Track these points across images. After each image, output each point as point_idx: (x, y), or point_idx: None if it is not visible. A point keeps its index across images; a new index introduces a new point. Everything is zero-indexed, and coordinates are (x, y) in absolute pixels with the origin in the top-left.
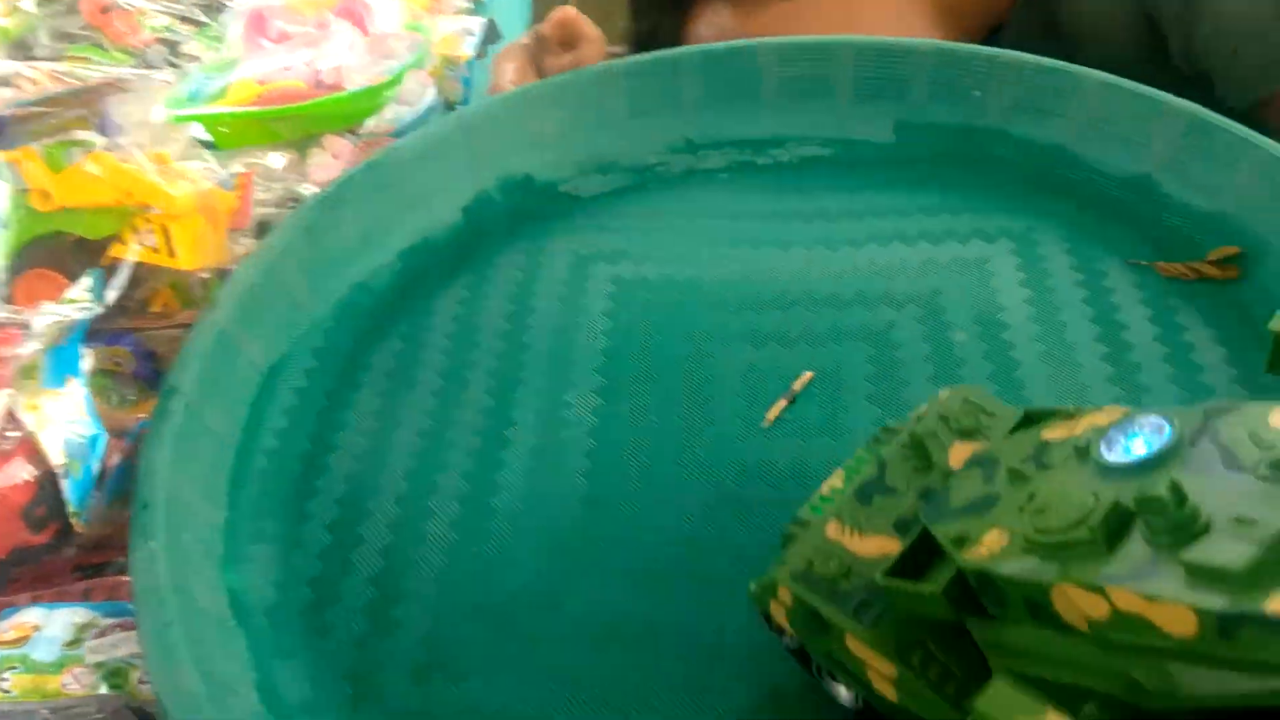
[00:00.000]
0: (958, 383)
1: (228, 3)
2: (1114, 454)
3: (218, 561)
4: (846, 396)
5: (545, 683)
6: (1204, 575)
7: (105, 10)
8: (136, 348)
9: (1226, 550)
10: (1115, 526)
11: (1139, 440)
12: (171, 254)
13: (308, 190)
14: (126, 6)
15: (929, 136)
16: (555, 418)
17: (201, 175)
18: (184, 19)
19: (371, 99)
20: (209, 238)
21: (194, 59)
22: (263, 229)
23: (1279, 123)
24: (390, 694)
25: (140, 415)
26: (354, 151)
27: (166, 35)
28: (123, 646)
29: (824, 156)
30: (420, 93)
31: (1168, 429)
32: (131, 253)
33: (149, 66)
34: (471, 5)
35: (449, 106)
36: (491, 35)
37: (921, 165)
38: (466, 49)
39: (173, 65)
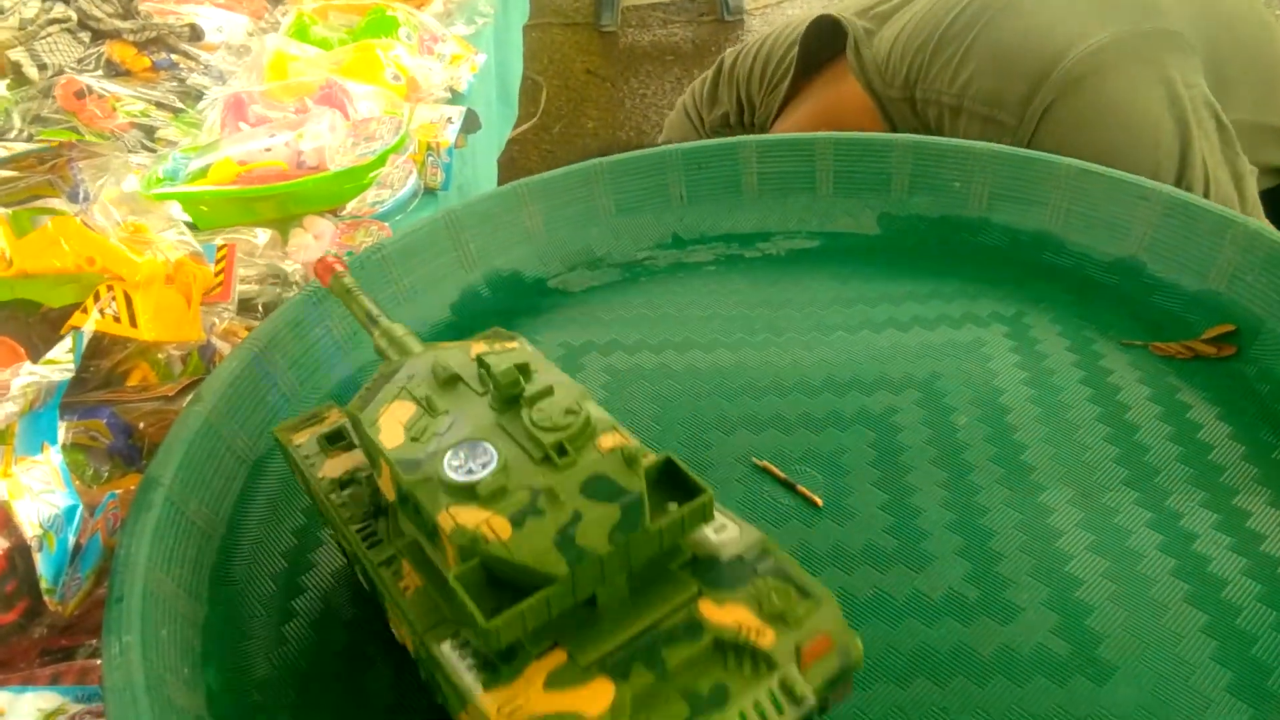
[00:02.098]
0: (964, 467)
1: (205, 90)
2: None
3: (197, 659)
4: (850, 481)
5: None
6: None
7: (80, 95)
8: (113, 421)
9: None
10: None
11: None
12: (133, 323)
13: (291, 268)
14: (102, 92)
15: (913, 227)
16: None
17: (173, 246)
18: (160, 105)
19: (354, 180)
20: (176, 309)
21: (170, 144)
22: (244, 305)
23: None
24: None
25: (114, 489)
26: (336, 232)
27: (142, 120)
28: None
29: (811, 248)
30: (402, 177)
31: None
32: (91, 321)
33: (125, 150)
34: (450, 95)
35: (430, 192)
36: (471, 124)
37: (909, 254)
38: (447, 136)
39: (148, 149)
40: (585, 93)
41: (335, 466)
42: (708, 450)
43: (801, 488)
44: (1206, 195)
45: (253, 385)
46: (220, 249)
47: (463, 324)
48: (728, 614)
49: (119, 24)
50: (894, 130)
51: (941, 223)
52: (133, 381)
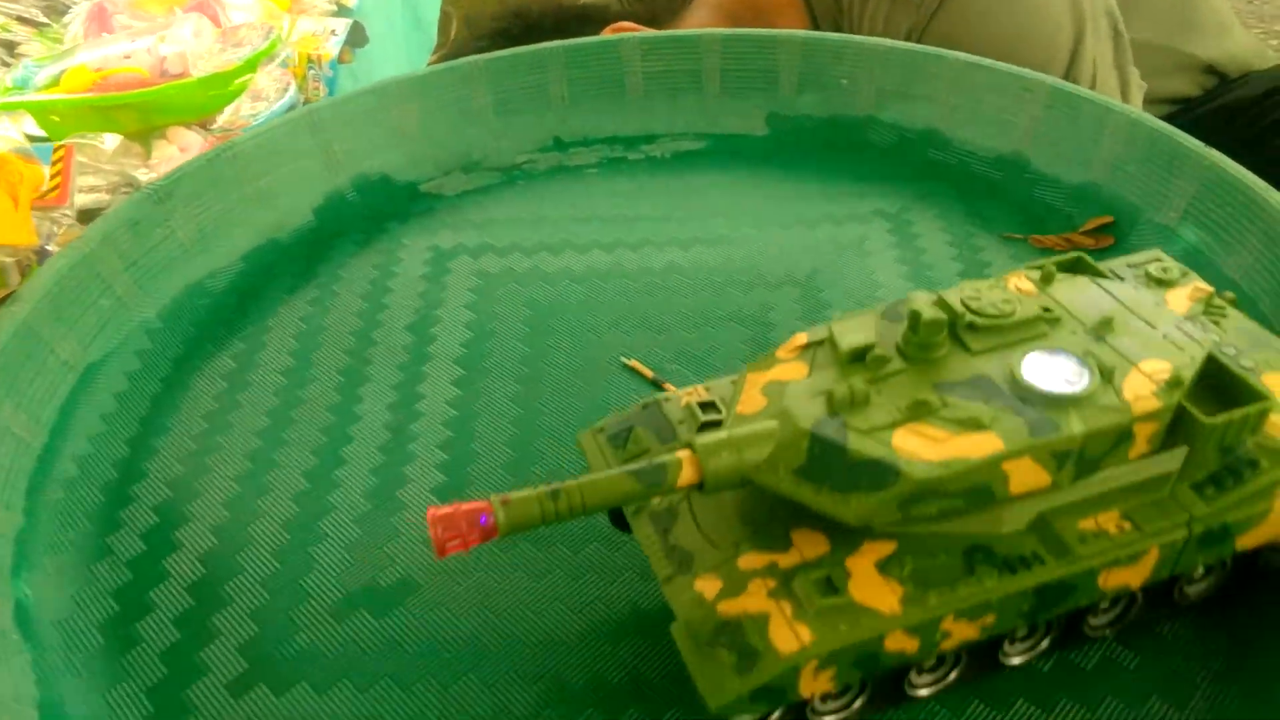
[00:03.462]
0: None
1: (70, 3)
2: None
3: (5, 570)
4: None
5: (379, 689)
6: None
7: None
8: None
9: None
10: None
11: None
12: None
13: (147, 177)
14: None
15: (802, 126)
16: (407, 412)
17: None
18: (21, 19)
19: (220, 86)
20: (2, 210)
21: None
22: (90, 217)
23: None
24: (203, 708)
25: None
26: (204, 146)
27: (2, 35)
28: None
29: (698, 150)
30: (279, 89)
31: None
32: None
33: None
34: (336, 7)
35: None
36: (358, 37)
37: (797, 155)
38: (329, 48)
39: (7, 66)
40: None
41: (883, 593)
42: (578, 352)
43: (668, 385)
44: None
45: (81, 288)
46: (57, 149)
47: (325, 228)
48: None
49: None
50: (811, 11)
51: (830, 123)
52: None
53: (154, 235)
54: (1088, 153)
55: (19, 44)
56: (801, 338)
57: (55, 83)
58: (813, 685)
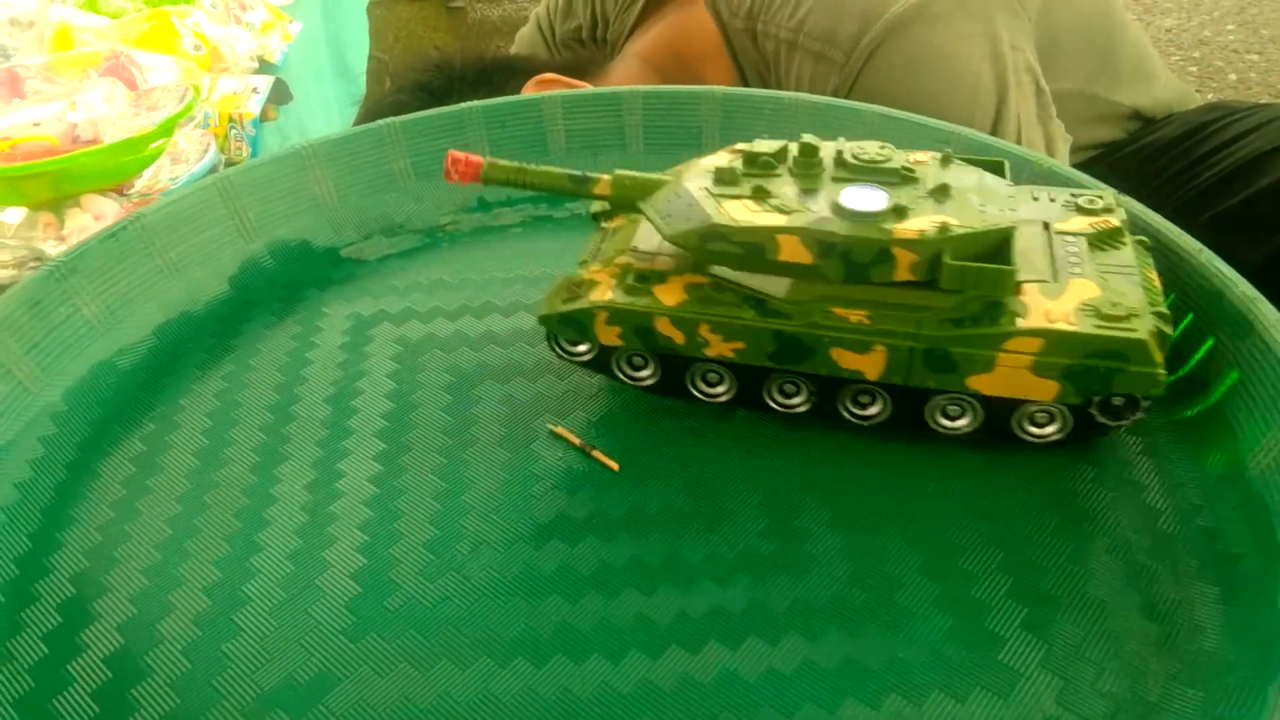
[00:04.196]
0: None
1: None
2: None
3: None
4: (652, 441)
5: None
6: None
7: None
8: None
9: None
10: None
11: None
12: None
13: (56, 250)
14: None
15: None
16: (326, 491)
17: None
18: None
19: (133, 151)
20: None
21: None
22: None
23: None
24: None
25: None
26: (120, 212)
27: None
28: None
29: None
30: (199, 151)
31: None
32: None
33: None
34: (258, 64)
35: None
36: (281, 94)
37: None
38: (251, 107)
39: None
40: None
41: (671, 297)
42: (503, 420)
43: (597, 452)
44: None
45: None
46: None
47: (240, 298)
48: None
49: None
50: (736, 61)
51: None
52: None
53: (56, 314)
54: None
55: None
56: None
57: None
58: (604, 333)
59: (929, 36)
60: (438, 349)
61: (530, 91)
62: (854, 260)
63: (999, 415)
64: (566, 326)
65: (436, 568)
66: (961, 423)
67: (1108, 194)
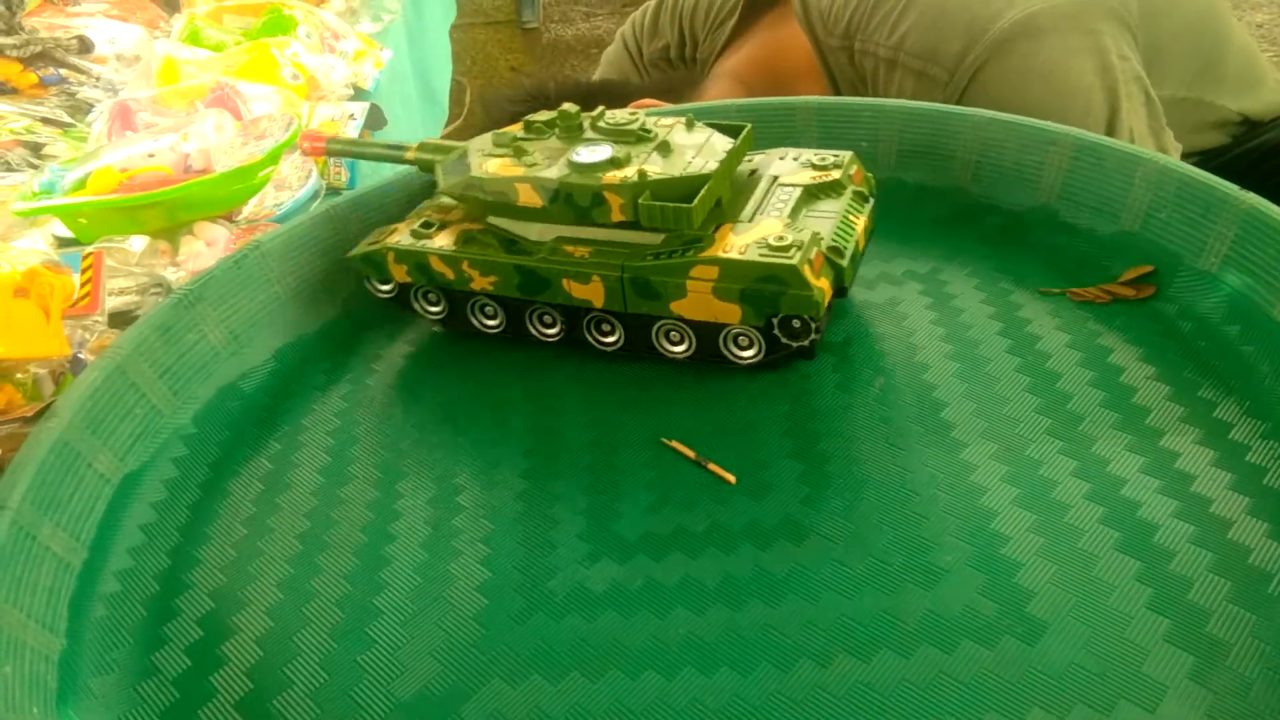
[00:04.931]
0: (882, 430)
1: (96, 104)
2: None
3: (51, 697)
4: (764, 455)
5: None
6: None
7: None
8: None
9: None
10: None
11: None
12: None
13: (175, 276)
14: None
15: None
16: (448, 505)
17: (25, 256)
18: (45, 120)
19: (243, 180)
20: (33, 323)
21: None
22: (122, 320)
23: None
24: None
25: None
26: (230, 239)
27: (27, 137)
28: None
29: None
30: (302, 178)
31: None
32: None
33: (9, 169)
34: (353, 90)
35: (335, 192)
36: (376, 119)
37: None
38: (349, 133)
39: (34, 168)
40: None
41: (445, 241)
42: (615, 432)
43: (712, 465)
44: None
45: (116, 398)
46: (86, 258)
47: (354, 319)
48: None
49: (1, 40)
50: (832, 78)
51: None
52: None
53: (185, 340)
54: (1119, 202)
55: (44, 144)
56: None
57: (82, 185)
58: (395, 270)
59: (1036, 52)
60: (562, 359)
61: None
62: (577, 203)
63: (708, 340)
64: (367, 265)
65: (559, 581)
66: (681, 348)
67: (844, 156)
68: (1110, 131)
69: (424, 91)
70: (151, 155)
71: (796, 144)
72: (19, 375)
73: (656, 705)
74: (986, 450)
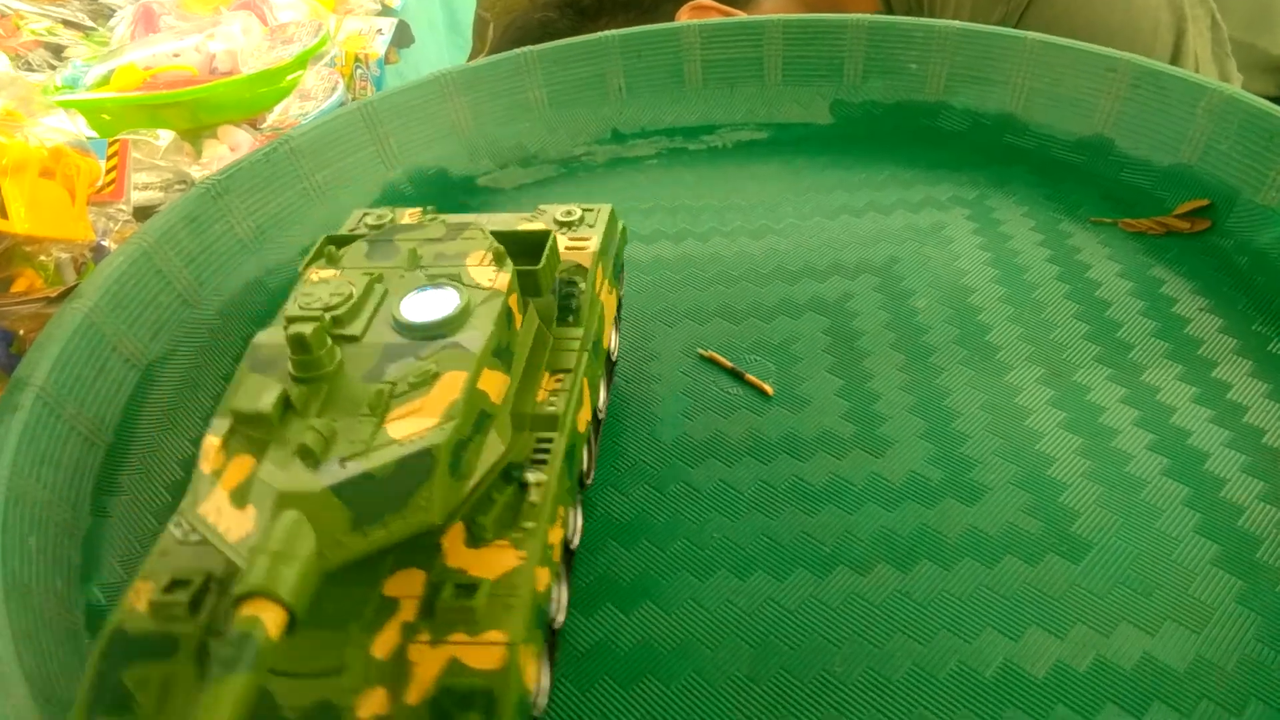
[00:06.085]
0: (925, 350)
1: (117, 7)
2: None
3: (74, 573)
4: (803, 369)
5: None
6: None
7: None
8: None
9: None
10: None
11: None
12: (3, 214)
13: (199, 174)
14: (4, 10)
15: (868, 113)
16: None
17: (52, 133)
18: (67, 23)
19: (269, 83)
20: (58, 203)
21: None
22: (146, 213)
23: None
24: None
25: None
26: (254, 145)
27: (49, 39)
28: None
29: (760, 140)
30: (327, 89)
31: None
32: None
33: (30, 69)
34: (380, 7)
35: None
36: (404, 37)
37: (864, 142)
38: (376, 47)
39: (54, 68)
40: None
41: None
42: (649, 342)
43: (750, 376)
44: None
45: (142, 283)
46: (112, 144)
47: None
48: None
49: None
50: (888, 3)
51: (897, 108)
52: (18, 289)
53: (212, 231)
54: (1178, 133)
55: (65, 47)
56: (212, 441)
57: (105, 81)
58: None
59: None
60: None
61: (685, 18)
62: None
63: None
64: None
65: (595, 484)
66: None
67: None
68: (1176, 54)
69: (449, 21)
70: (176, 55)
71: (841, 68)
72: (42, 258)
73: (688, 603)
74: (1033, 374)
